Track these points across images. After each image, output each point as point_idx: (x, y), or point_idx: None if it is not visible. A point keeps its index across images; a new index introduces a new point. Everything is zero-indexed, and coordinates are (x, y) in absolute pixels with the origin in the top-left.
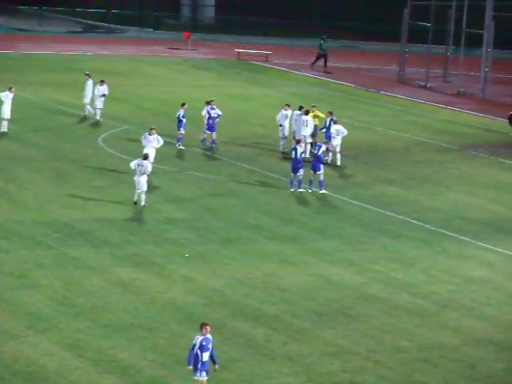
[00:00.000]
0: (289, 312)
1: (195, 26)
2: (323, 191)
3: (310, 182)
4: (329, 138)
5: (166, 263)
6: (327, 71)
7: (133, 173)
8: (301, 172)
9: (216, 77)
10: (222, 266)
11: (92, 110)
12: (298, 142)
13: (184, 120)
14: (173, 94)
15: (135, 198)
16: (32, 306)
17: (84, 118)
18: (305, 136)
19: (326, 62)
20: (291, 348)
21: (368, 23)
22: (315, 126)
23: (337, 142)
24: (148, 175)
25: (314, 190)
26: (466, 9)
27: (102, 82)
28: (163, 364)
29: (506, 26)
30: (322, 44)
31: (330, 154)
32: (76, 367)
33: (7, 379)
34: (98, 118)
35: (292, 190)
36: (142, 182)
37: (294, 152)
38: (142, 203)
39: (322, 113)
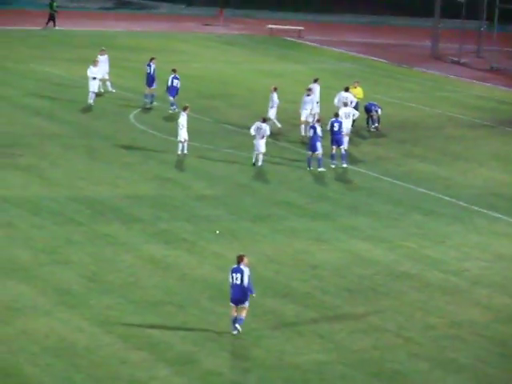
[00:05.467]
0: (319, 289)
1: (227, 1)
2: (345, 165)
3: (333, 157)
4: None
5: (196, 240)
6: None
7: (253, 137)
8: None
9: (248, 53)
10: (253, 243)
11: (109, 87)
12: (318, 120)
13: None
14: (204, 70)
15: (254, 159)
16: (63, 282)
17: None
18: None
19: None
20: (321, 325)
21: None
22: (357, 102)
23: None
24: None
25: (338, 164)
26: None
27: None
28: (193, 340)
29: None
30: None
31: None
32: (106, 343)
33: (38, 355)
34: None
35: (309, 169)
36: (261, 144)
37: (312, 130)
38: (260, 163)
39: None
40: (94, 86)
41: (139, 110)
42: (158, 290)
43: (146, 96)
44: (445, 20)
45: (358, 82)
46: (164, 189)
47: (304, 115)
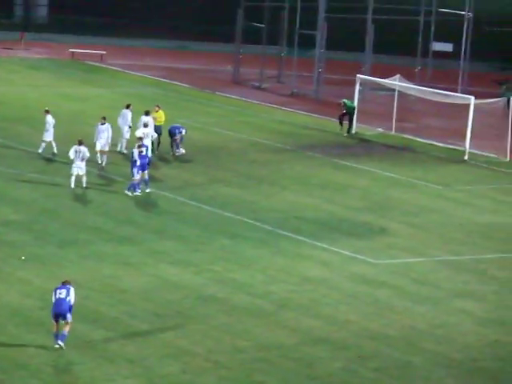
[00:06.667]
0: (127, 313)
1: (28, 25)
2: (149, 190)
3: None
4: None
5: (1, 266)
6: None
7: (70, 162)
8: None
9: (51, 77)
10: (60, 269)
11: None
12: (140, 146)
13: None
14: (6, 94)
15: (73, 184)
16: None
17: None
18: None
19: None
20: (130, 350)
21: (201, 24)
22: (158, 126)
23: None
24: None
25: (143, 189)
26: (299, 10)
27: None
28: (1, 368)
29: (338, 27)
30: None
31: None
32: None
33: None
34: None
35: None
36: (82, 166)
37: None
38: (84, 185)
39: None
40: None
41: None
42: None
43: None
44: (246, 45)
45: (158, 106)
46: None
47: (99, 145)
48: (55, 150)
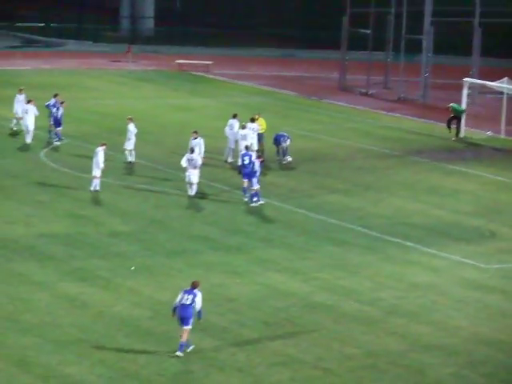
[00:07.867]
0: (237, 322)
1: (135, 37)
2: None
3: (245, 191)
4: None
5: (111, 277)
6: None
7: (184, 169)
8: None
9: (158, 88)
10: (169, 278)
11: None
12: (259, 157)
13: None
14: (115, 106)
15: (189, 191)
16: None
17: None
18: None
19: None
20: (240, 358)
21: (307, 31)
22: (260, 134)
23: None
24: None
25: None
26: (405, 15)
27: (29, 101)
28: (111, 378)
29: (445, 32)
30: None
31: None
32: (24, 383)
33: None
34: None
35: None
36: (194, 174)
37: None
38: (193, 193)
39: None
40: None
41: (49, 147)
42: (75, 329)
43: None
44: (352, 52)
45: (259, 114)
46: (78, 226)
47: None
48: (133, 159)
